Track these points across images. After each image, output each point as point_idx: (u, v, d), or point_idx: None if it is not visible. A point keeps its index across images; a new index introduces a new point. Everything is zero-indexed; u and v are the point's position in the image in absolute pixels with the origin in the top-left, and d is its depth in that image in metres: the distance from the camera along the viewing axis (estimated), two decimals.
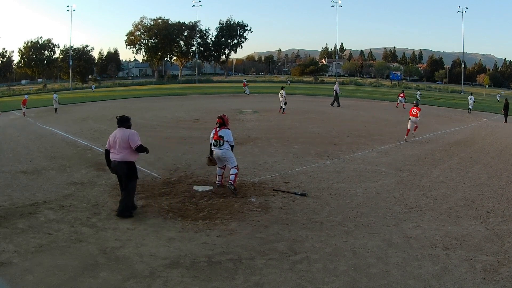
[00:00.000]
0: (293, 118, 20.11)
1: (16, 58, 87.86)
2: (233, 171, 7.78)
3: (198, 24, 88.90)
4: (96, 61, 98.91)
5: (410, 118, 14.57)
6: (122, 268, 4.76)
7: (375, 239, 5.72)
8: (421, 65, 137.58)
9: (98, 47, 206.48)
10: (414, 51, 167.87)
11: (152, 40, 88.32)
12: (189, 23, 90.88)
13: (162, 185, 8.27)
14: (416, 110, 14.55)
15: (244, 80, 48.93)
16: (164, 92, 45.54)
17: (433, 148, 13.25)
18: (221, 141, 7.76)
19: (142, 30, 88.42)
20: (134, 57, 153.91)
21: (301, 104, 28.40)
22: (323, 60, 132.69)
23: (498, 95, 56.84)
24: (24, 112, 23.43)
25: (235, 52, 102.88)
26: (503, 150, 13.45)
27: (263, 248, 5.38)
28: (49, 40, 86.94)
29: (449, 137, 15.98)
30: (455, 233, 5.99)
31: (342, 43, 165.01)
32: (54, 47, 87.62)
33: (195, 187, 8.10)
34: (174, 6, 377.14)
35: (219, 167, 8.13)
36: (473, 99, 28.27)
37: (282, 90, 22.57)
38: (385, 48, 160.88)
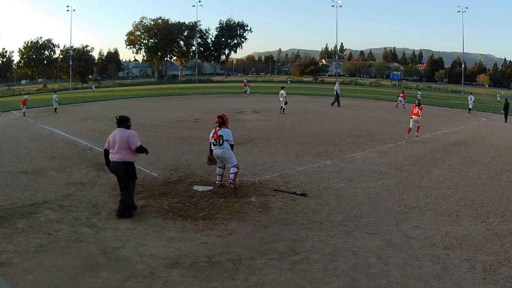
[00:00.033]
0: (293, 118, 20.11)
1: (16, 58, 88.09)
2: (233, 170, 7.79)
3: (198, 24, 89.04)
4: (96, 61, 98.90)
5: (412, 117, 14.86)
6: (122, 268, 4.76)
7: (375, 239, 5.72)
8: (421, 65, 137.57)
9: (98, 47, 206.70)
10: (414, 51, 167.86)
11: (152, 40, 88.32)
12: (189, 23, 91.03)
13: (162, 185, 8.27)
14: (418, 109, 14.84)
15: (245, 80, 48.96)
16: (164, 92, 45.54)
17: (433, 148, 13.25)
18: (221, 140, 7.76)
19: (142, 30, 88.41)
20: (134, 57, 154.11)
21: (301, 104, 28.40)
22: (323, 60, 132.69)
23: (498, 95, 56.82)
24: (24, 112, 23.42)
25: (235, 52, 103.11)
26: (503, 150, 13.45)
27: (263, 248, 5.37)
28: (49, 40, 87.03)
29: (449, 137, 15.99)
30: (455, 233, 5.99)
31: (342, 43, 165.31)
32: (54, 47, 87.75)
33: (195, 187, 8.10)
34: (174, 6, 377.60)
35: (219, 167, 8.13)
36: (473, 99, 28.29)
37: (282, 90, 22.57)
38: (385, 48, 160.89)
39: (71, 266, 4.77)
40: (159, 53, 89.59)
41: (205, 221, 6.31)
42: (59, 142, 13.89)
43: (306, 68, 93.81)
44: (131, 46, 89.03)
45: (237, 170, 7.86)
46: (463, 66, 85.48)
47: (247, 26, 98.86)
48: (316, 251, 5.30)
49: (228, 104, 27.90)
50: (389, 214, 6.78)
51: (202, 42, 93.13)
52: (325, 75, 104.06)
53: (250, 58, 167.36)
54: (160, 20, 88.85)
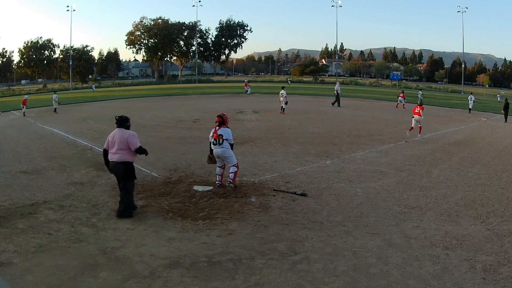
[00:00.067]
0: (293, 118, 20.11)
1: (16, 58, 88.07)
2: (232, 169, 7.81)
3: (198, 24, 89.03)
4: (96, 61, 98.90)
5: (414, 117, 15.03)
6: (122, 268, 4.76)
7: (375, 239, 5.72)
8: (421, 65, 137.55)
9: (98, 47, 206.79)
10: (414, 51, 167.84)
11: (152, 40, 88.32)
12: (189, 23, 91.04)
13: (162, 185, 8.27)
14: (419, 109, 15.01)
15: (245, 80, 49.01)
16: (164, 92, 45.55)
17: (433, 148, 13.25)
18: (221, 140, 7.78)
19: (142, 30, 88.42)
20: (134, 57, 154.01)
21: (301, 104, 28.40)
22: (323, 60, 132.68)
23: (498, 95, 56.79)
24: (24, 112, 23.43)
25: (235, 52, 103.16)
26: (503, 150, 13.45)
27: (263, 248, 5.37)
28: (49, 40, 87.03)
29: (449, 137, 15.99)
30: (455, 233, 5.99)
31: (342, 43, 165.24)
32: (54, 47, 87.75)
33: (195, 187, 8.10)
34: (174, 6, 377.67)
35: (219, 167, 8.13)
36: (473, 98, 28.30)
37: (282, 90, 22.57)
38: (385, 48, 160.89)
39: (71, 266, 4.77)
40: (159, 53, 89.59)
41: (205, 221, 6.31)
42: (59, 142, 13.90)
43: (306, 68, 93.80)
44: (131, 46, 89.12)
45: (236, 169, 7.87)
46: (463, 66, 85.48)
47: (247, 26, 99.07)
48: (316, 251, 5.30)
49: (228, 104, 27.90)
50: (389, 214, 6.78)
51: (202, 42, 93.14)
52: (325, 75, 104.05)
53: (250, 58, 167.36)
54: (160, 20, 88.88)
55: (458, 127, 19.27)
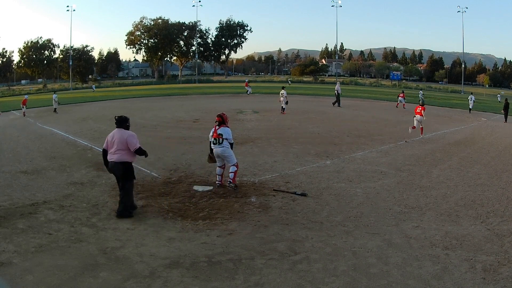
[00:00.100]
0: (293, 118, 20.11)
1: (16, 58, 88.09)
2: (232, 169, 7.82)
3: (198, 24, 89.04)
4: (96, 61, 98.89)
5: (415, 117, 15.16)
6: (122, 268, 4.76)
7: (375, 239, 5.72)
8: (421, 65, 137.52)
9: (98, 47, 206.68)
10: (414, 51, 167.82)
11: (152, 40, 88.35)
12: (189, 23, 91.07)
13: (162, 185, 8.27)
14: (420, 109, 15.11)
15: (246, 80, 49.04)
16: (164, 92, 45.55)
17: (433, 148, 13.25)
18: (221, 139, 7.79)
19: (142, 30, 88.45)
20: (134, 57, 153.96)
21: (301, 104, 28.40)
22: (323, 60, 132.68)
23: (498, 95, 56.76)
24: (24, 112, 23.43)
25: (235, 52, 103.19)
26: (503, 150, 13.45)
27: (263, 248, 5.37)
28: (49, 40, 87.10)
29: (449, 137, 15.99)
30: (455, 233, 5.99)
31: (342, 43, 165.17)
32: (54, 47, 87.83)
33: (195, 187, 8.10)
34: (174, 6, 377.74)
35: (219, 167, 8.14)
36: (473, 99, 28.30)
37: (283, 90, 22.58)
38: (385, 48, 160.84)
39: (71, 266, 4.77)
40: (159, 53, 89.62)
41: (205, 221, 6.31)
42: (59, 142, 13.90)
43: (306, 68, 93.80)
44: (131, 46, 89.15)
45: (236, 168, 7.88)
46: (463, 66, 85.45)
47: (247, 26, 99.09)
48: (316, 251, 5.30)
49: (228, 104, 27.90)
50: (389, 214, 6.78)
51: (202, 42, 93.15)
52: (325, 75, 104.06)
53: (250, 58, 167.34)
54: (160, 20, 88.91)
55: (458, 127, 19.27)
